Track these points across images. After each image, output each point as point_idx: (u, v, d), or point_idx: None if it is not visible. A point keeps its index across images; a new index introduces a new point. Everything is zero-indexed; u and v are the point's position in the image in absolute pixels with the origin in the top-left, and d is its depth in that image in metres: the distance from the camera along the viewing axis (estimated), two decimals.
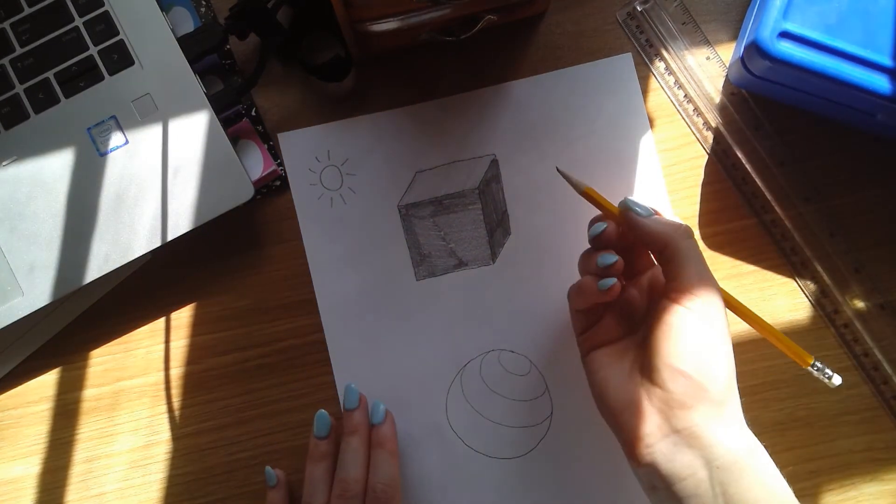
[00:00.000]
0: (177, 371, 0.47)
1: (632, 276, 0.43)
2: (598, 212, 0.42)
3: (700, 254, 0.39)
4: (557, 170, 0.43)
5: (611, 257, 0.40)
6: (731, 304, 0.40)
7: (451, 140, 0.48)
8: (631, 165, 0.48)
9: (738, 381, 0.46)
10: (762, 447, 0.37)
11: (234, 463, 0.47)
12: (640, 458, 0.37)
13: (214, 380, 0.47)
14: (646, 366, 0.38)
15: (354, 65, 0.48)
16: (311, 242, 0.48)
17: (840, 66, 0.41)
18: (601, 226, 0.40)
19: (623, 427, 0.38)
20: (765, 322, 0.40)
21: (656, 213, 0.40)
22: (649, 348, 0.38)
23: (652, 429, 0.37)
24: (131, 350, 0.48)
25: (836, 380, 0.39)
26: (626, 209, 0.40)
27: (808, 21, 0.42)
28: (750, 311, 0.40)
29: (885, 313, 0.46)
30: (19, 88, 0.45)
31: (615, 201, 0.48)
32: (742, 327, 0.47)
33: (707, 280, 0.38)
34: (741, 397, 0.46)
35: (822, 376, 0.39)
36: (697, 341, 0.37)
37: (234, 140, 0.47)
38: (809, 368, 0.40)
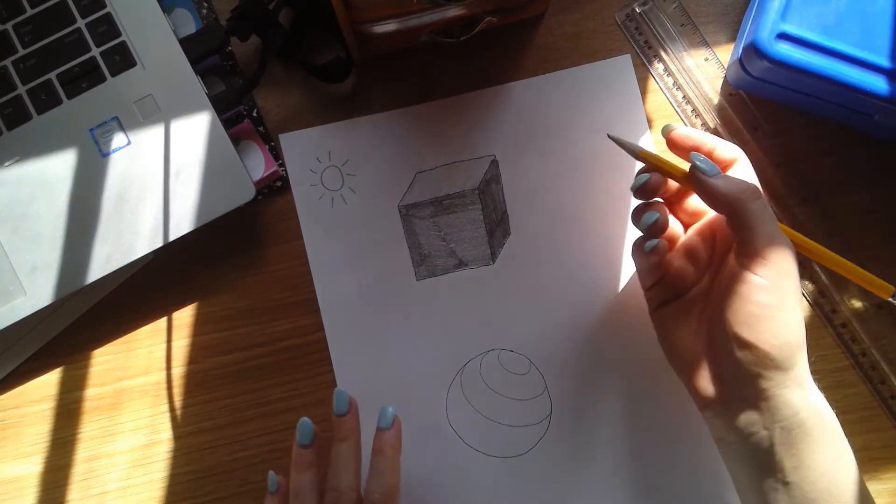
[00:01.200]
0: (178, 371, 0.48)
1: (692, 220, 0.42)
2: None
3: (771, 215, 0.37)
4: (609, 136, 0.42)
5: (652, 215, 0.40)
6: (803, 246, 0.39)
7: (452, 141, 0.48)
8: (630, 166, 0.48)
9: None
10: (830, 412, 0.37)
11: (235, 462, 0.47)
12: (707, 413, 0.39)
13: (215, 379, 0.48)
14: (713, 331, 0.38)
15: (355, 66, 0.49)
16: (312, 242, 0.48)
17: (838, 67, 0.42)
18: (643, 177, 0.40)
19: (691, 383, 0.39)
20: (839, 258, 0.39)
21: (722, 170, 0.39)
22: (717, 314, 0.37)
23: (719, 390, 0.38)
24: (133, 350, 0.48)
25: None
26: (693, 169, 0.38)
27: (806, 22, 0.42)
28: (823, 249, 0.39)
29: (882, 313, 0.46)
30: (22, 89, 0.45)
31: (615, 201, 0.48)
32: None
33: (778, 243, 0.36)
34: None
35: None
36: (767, 313, 0.36)
37: (236, 141, 0.47)
38: (891, 299, 0.39)
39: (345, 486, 0.40)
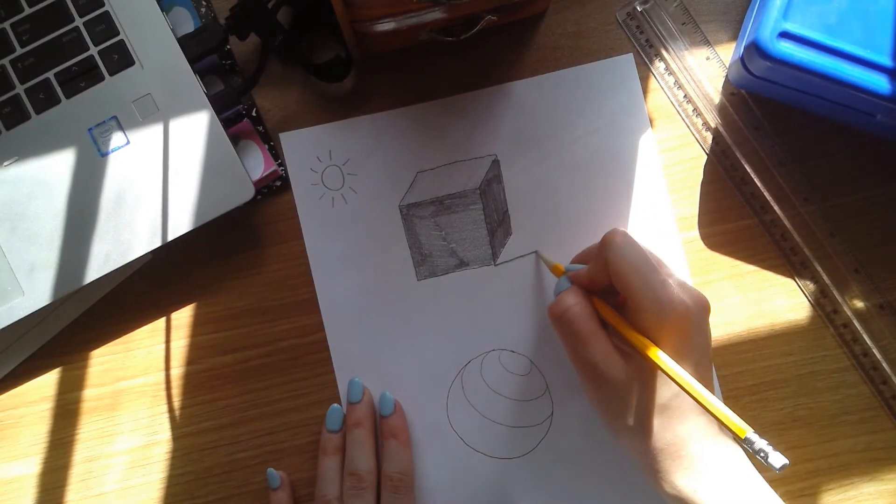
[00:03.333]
0: (177, 371, 0.48)
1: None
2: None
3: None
4: (536, 254, 0.47)
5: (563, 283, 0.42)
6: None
7: (453, 140, 0.48)
8: (631, 166, 0.48)
9: (738, 381, 0.47)
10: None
11: (235, 463, 0.47)
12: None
13: (215, 379, 0.47)
14: None
15: (355, 65, 0.48)
16: (313, 242, 0.48)
17: (840, 66, 0.42)
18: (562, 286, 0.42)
19: None
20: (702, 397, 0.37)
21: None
22: None
23: None
24: (132, 350, 0.48)
25: (775, 460, 0.35)
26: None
27: (807, 21, 0.42)
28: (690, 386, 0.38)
29: (884, 313, 0.46)
30: (20, 89, 0.45)
31: (616, 201, 0.49)
32: (739, 327, 0.47)
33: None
34: (742, 397, 0.47)
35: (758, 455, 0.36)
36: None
37: (235, 140, 0.47)
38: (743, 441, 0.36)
39: (363, 469, 0.44)
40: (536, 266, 0.47)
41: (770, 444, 0.35)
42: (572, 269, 0.43)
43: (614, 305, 0.41)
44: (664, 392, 0.38)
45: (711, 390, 0.38)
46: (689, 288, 0.40)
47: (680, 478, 0.38)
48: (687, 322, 0.38)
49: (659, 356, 0.37)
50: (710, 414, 0.36)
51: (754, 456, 0.35)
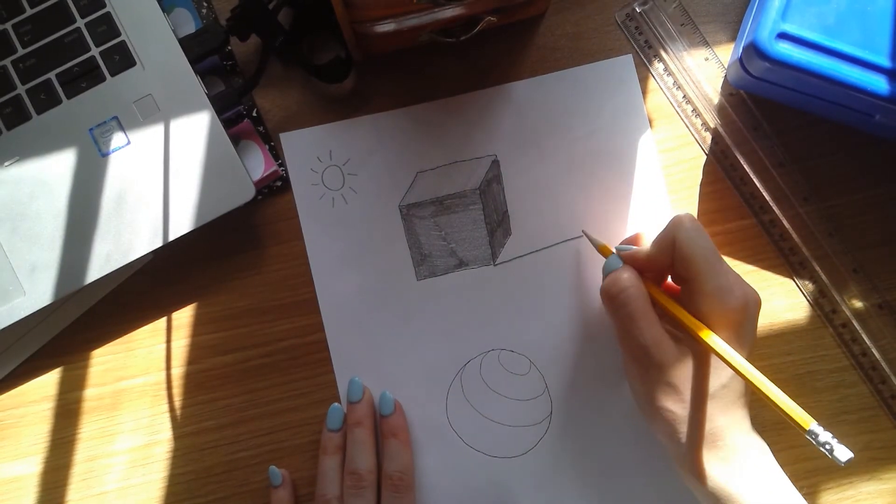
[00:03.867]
0: (178, 371, 0.48)
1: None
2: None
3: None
4: (583, 233, 0.47)
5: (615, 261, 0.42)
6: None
7: (452, 140, 0.48)
8: (631, 166, 0.48)
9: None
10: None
11: (235, 462, 0.47)
12: None
13: (215, 379, 0.48)
14: None
15: (355, 66, 0.49)
16: (313, 242, 0.48)
17: (838, 67, 0.42)
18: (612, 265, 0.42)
19: None
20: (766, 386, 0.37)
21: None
22: None
23: None
24: (132, 350, 0.48)
25: (841, 453, 0.34)
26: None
27: (806, 22, 0.42)
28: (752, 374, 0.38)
29: (883, 313, 0.46)
30: (21, 89, 0.45)
31: (616, 201, 0.49)
32: None
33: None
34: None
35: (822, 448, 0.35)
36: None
37: (236, 140, 0.47)
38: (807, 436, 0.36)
39: (363, 468, 0.44)
40: (537, 266, 0.48)
41: (835, 436, 0.34)
42: (625, 250, 0.42)
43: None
44: (714, 381, 0.38)
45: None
46: (744, 282, 0.40)
47: (715, 467, 0.38)
48: (744, 313, 0.38)
49: (717, 342, 0.38)
50: (771, 404, 0.36)
51: (818, 448, 0.35)
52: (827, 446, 0.34)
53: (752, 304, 0.39)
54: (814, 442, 0.35)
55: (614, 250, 0.43)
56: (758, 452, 0.39)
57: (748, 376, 0.37)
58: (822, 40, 0.42)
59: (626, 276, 0.40)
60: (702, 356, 0.39)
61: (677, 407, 0.39)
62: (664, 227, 0.40)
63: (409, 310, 0.48)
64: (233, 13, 0.47)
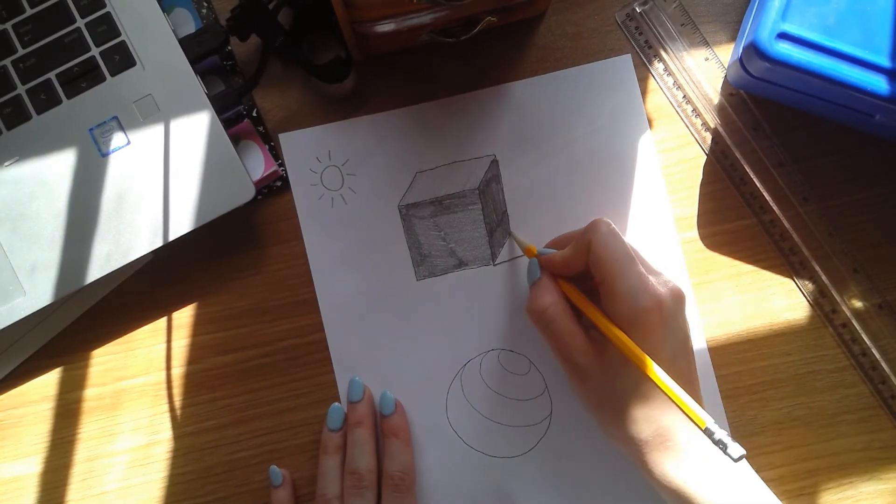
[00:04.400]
0: (178, 370, 0.48)
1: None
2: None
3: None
4: (511, 234, 0.47)
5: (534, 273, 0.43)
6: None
7: (452, 140, 0.48)
8: (630, 166, 0.48)
9: (737, 381, 0.47)
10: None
11: (235, 462, 0.47)
12: None
13: (215, 379, 0.48)
14: None
15: (355, 66, 0.49)
16: (312, 242, 0.48)
17: (838, 67, 0.42)
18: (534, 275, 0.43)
19: None
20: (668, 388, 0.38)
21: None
22: None
23: None
24: (132, 350, 0.48)
25: (734, 451, 0.36)
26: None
27: (806, 22, 0.42)
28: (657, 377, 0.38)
29: (882, 313, 0.46)
30: (21, 89, 0.45)
31: (615, 201, 0.49)
32: (738, 327, 0.47)
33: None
34: (741, 396, 0.47)
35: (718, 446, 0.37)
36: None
37: (236, 140, 0.47)
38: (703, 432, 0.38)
39: (364, 468, 0.44)
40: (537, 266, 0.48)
41: (729, 434, 0.36)
42: (545, 253, 0.43)
43: (583, 291, 0.42)
44: (647, 383, 0.38)
45: (692, 382, 0.39)
46: (665, 280, 0.40)
47: (669, 468, 0.38)
48: (660, 312, 0.38)
49: (626, 344, 0.38)
50: (673, 403, 0.37)
51: (716, 447, 0.36)
52: (721, 444, 0.36)
53: (669, 301, 0.39)
54: (710, 439, 0.36)
55: (537, 252, 0.44)
56: (710, 447, 0.38)
57: (652, 375, 0.37)
58: (822, 40, 0.42)
59: (546, 296, 0.41)
60: (628, 360, 0.39)
61: (617, 413, 0.39)
62: (582, 230, 0.41)
63: (408, 310, 0.48)
64: (233, 13, 0.47)
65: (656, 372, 0.37)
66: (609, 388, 0.39)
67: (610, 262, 0.39)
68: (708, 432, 0.36)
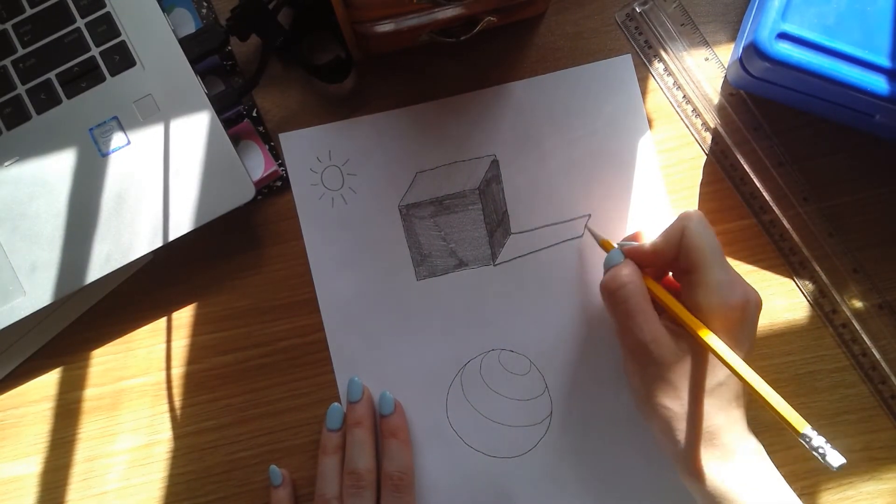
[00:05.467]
0: (178, 370, 0.48)
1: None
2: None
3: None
4: (587, 228, 0.47)
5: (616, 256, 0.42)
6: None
7: (452, 141, 0.48)
8: (630, 166, 0.48)
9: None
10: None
11: (235, 462, 0.47)
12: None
13: (215, 379, 0.48)
14: None
15: (355, 66, 0.49)
16: (312, 242, 0.48)
17: (838, 67, 0.42)
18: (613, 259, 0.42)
19: None
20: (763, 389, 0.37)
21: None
22: None
23: None
24: (132, 350, 0.48)
25: (833, 459, 0.34)
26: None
27: (806, 22, 0.42)
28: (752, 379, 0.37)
29: (883, 313, 0.46)
30: (21, 89, 0.45)
31: (615, 201, 0.49)
32: None
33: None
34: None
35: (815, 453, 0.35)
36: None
37: (236, 140, 0.47)
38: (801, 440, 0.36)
39: (363, 468, 0.44)
40: (536, 266, 0.48)
41: (828, 441, 0.34)
42: (626, 245, 0.43)
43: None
44: (712, 379, 0.38)
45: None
46: (748, 283, 0.40)
47: (712, 467, 0.38)
48: (744, 311, 0.38)
49: (713, 339, 0.38)
50: (765, 406, 0.36)
51: (811, 452, 0.35)
52: (820, 450, 0.34)
53: (752, 303, 0.39)
54: (807, 446, 0.35)
55: (616, 245, 0.43)
56: (754, 452, 0.39)
57: (743, 376, 0.37)
58: (822, 40, 0.42)
59: (626, 272, 0.40)
60: (700, 354, 0.39)
61: (675, 404, 0.39)
62: (672, 221, 0.41)
63: (408, 310, 0.48)
64: (233, 13, 0.47)
65: (747, 373, 0.36)
66: (675, 379, 0.39)
67: (704, 252, 0.39)
68: (805, 437, 0.35)
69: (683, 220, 0.40)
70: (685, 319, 0.39)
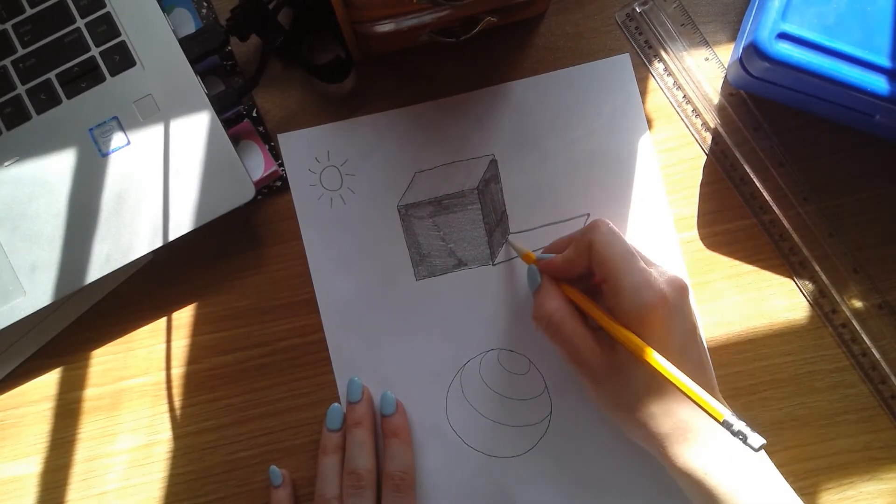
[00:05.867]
0: (178, 371, 0.48)
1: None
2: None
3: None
4: (507, 241, 0.47)
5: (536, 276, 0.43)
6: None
7: (451, 140, 0.48)
8: (629, 166, 0.48)
9: (737, 381, 0.47)
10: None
11: (235, 462, 0.47)
12: None
13: (215, 379, 0.48)
14: None
15: (355, 66, 0.49)
16: (311, 242, 0.48)
17: (838, 67, 0.42)
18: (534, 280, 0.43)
19: None
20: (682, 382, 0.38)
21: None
22: None
23: None
24: (132, 350, 0.48)
25: (754, 441, 0.36)
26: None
27: (806, 22, 0.42)
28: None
29: (882, 313, 0.46)
30: (21, 89, 0.45)
31: (615, 201, 0.49)
32: (738, 327, 0.47)
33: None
34: (741, 396, 0.47)
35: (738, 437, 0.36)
36: None
37: (235, 140, 0.47)
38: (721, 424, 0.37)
39: (363, 468, 0.44)
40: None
41: (748, 424, 0.35)
42: (543, 258, 0.43)
43: (584, 291, 0.42)
44: (660, 377, 0.38)
45: (704, 372, 0.39)
46: (666, 273, 0.40)
47: (691, 458, 0.38)
48: (665, 306, 0.38)
49: (632, 341, 0.38)
50: (688, 397, 0.37)
51: (735, 437, 0.36)
52: (741, 435, 0.36)
53: (672, 294, 0.39)
54: (729, 431, 0.36)
55: (535, 257, 0.44)
56: (727, 434, 0.39)
57: (667, 372, 0.37)
58: (822, 40, 0.42)
59: (550, 301, 0.41)
60: (639, 358, 0.39)
61: (635, 412, 0.39)
62: (581, 231, 0.41)
63: (408, 310, 0.48)
64: (233, 13, 0.47)
65: (667, 367, 0.37)
66: (623, 388, 0.40)
67: (613, 261, 0.39)
68: (726, 424, 0.36)
69: (589, 232, 0.40)
70: (606, 327, 0.40)
